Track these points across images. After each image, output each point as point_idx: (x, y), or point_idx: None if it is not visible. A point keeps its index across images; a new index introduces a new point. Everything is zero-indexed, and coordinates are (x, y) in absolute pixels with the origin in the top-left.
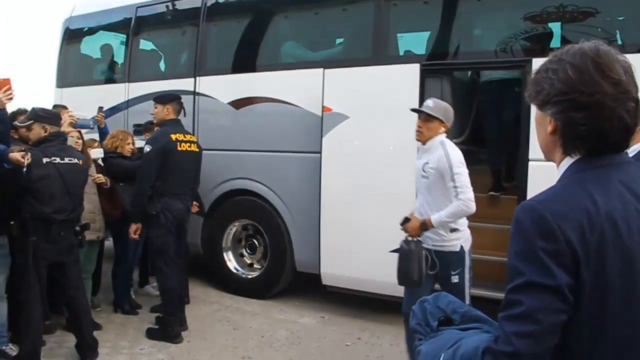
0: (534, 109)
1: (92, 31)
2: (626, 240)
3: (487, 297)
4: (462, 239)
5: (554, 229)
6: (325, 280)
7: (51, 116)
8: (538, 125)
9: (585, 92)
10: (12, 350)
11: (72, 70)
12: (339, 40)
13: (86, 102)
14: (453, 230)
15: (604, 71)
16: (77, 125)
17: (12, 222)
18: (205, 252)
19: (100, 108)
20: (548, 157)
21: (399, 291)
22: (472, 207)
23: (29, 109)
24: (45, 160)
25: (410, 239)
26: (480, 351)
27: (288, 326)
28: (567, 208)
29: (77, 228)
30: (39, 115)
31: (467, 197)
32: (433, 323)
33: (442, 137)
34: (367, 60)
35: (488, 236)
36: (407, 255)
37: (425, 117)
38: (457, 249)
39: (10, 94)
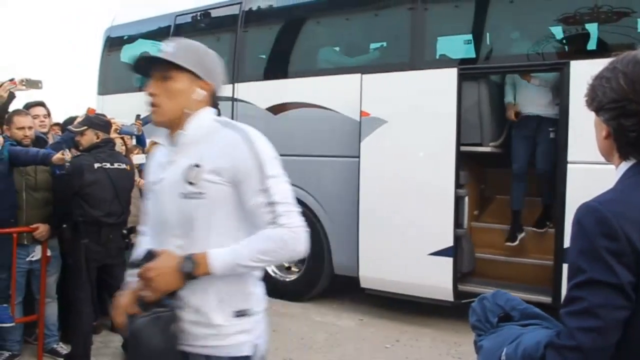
0: (574, 117)
1: (132, 40)
2: None
3: None
4: (253, 331)
5: (615, 229)
6: (364, 283)
7: (104, 123)
8: (595, 129)
9: (635, 101)
10: (63, 348)
11: (112, 78)
12: (375, 45)
13: (127, 109)
14: (240, 313)
15: None
16: (121, 132)
17: (64, 225)
18: None
19: (138, 116)
20: (608, 160)
21: (437, 294)
22: (303, 242)
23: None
24: (96, 165)
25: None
26: (542, 345)
27: (327, 329)
28: (627, 209)
29: (125, 231)
30: (92, 122)
31: (294, 222)
32: (493, 319)
33: (211, 111)
34: (405, 65)
35: (526, 239)
36: (135, 340)
37: (161, 75)
38: (244, 352)
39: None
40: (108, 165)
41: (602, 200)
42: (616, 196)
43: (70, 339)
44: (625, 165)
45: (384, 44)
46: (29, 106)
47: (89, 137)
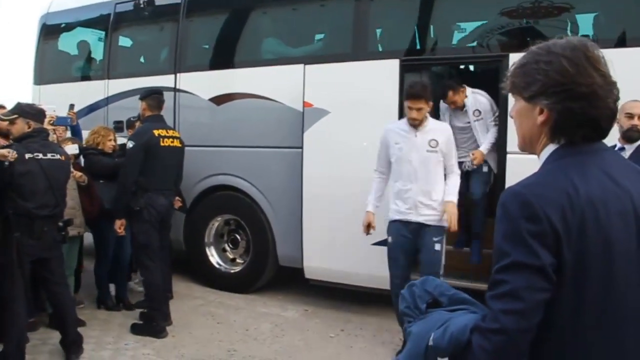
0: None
1: (69, 27)
2: (604, 222)
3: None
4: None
5: (537, 212)
6: (308, 274)
7: (36, 112)
8: (522, 117)
9: (583, 84)
10: None
11: (49, 67)
12: (318, 36)
13: (65, 99)
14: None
15: (594, 64)
16: (56, 122)
17: None
18: (187, 248)
19: (72, 105)
20: (527, 148)
21: (381, 283)
22: None
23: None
24: (27, 156)
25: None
26: (468, 329)
27: (272, 319)
28: (549, 192)
29: (60, 224)
30: (24, 111)
31: None
32: (422, 305)
33: None
34: (347, 56)
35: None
36: None
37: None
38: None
39: None
40: (41, 155)
41: (526, 184)
42: (539, 179)
43: (2, 337)
44: (550, 148)
45: (327, 34)
46: None
47: (20, 127)
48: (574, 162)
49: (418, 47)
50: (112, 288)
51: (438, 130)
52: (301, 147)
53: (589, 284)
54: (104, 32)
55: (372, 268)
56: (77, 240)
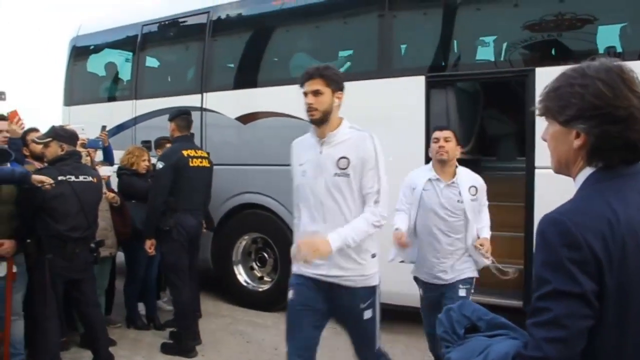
0: (540, 123)
1: (98, 49)
2: None
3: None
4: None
5: (578, 239)
6: None
7: (69, 135)
8: (556, 141)
9: (621, 106)
10: None
11: (79, 89)
12: (344, 54)
13: (94, 119)
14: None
15: (630, 86)
16: (87, 145)
17: (28, 240)
18: (215, 267)
19: (104, 127)
20: (563, 171)
21: (408, 301)
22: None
23: (36, 127)
24: (60, 178)
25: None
26: (510, 357)
27: None
28: (589, 218)
29: (93, 245)
30: (58, 134)
31: None
32: (460, 331)
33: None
34: (374, 73)
35: (493, 244)
36: None
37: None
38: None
39: (22, 123)
40: (73, 178)
41: (564, 211)
42: (577, 206)
43: (36, 356)
44: (585, 173)
45: (352, 52)
46: None
47: (54, 150)
48: (612, 186)
49: (443, 63)
50: (141, 307)
51: (355, 143)
52: None
53: (632, 311)
54: (131, 53)
55: (399, 285)
56: (108, 261)
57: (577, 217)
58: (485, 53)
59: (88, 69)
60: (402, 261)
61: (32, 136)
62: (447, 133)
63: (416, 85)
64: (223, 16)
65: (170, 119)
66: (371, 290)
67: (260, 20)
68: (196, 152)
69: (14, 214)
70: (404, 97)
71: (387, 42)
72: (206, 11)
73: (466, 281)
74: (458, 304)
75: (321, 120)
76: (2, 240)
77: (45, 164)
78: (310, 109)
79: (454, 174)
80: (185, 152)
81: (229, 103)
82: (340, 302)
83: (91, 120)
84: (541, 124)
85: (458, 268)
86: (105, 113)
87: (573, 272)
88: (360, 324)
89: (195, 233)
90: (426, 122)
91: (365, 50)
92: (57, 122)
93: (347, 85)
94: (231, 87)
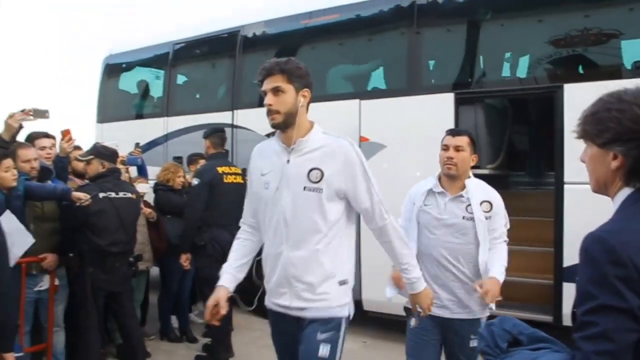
0: (569, 140)
1: (130, 67)
2: None
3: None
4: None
5: (623, 257)
6: (366, 306)
7: (110, 153)
8: (595, 162)
9: None
10: None
11: (111, 106)
12: (373, 71)
13: (126, 136)
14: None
15: None
16: (127, 162)
17: (70, 255)
18: (245, 281)
19: (137, 144)
20: (601, 191)
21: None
22: None
23: (79, 145)
24: (101, 195)
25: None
26: None
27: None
28: (631, 238)
29: (131, 259)
30: (99, 152)
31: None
32: (502, 345)
33: None
34: (402, 91)
35: (523, 259)
36: None
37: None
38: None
39: (72, 142)
40: (113, 194)
41: (608, 230)
42: (619, 225)
43: None
44: (624, 193)
45: (382, 69)
46: (33, 137)
47: (95, 167)
48: None
49: (472, 80)
50: (173, 320)
51: (330, 153)
52: None
53: None
54: (162, 72)
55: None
56: (144, 275)
57: (620, 236)
58: (513, 70)
59: (120, 86)
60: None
61: (75, 154)
62: (460, 140)
63: (445, 102)
64: (253, 35)
65: (205, 137)
66: (334, 324)
67: (289, 38)
68: (230, 169)
69: (57, 230)
70: (433, 114)
71: (416, 59)
72: (236, 30)
73: (478, 323)
74: (499, 319)
75: (284, 124)
76: (46, 254)
77: (87, 181)
78: (270, 111)
79: (463, 186)
80: (219, 169)
81: (259, 120)
82: (300, 332)
83: (123, 137)
84: (570, 140)
85: (468, 304)
86: (137, 130)
87: (619, 288)
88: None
89: (230, 248)
90: None
91: (394, 68)
92: (90, 140)
93: (377, 103)
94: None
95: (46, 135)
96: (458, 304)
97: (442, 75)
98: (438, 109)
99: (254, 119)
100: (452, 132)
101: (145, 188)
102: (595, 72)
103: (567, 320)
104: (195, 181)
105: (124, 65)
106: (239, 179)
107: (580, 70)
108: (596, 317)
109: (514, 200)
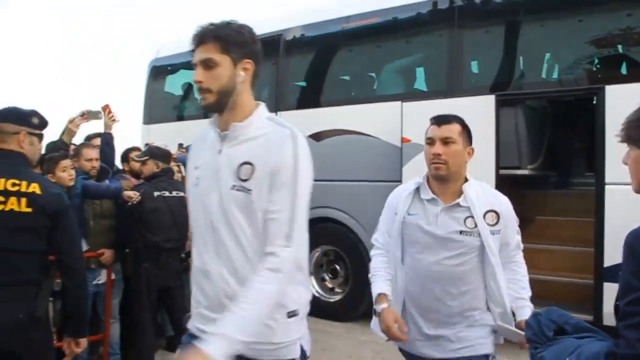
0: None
1: (175, 70)
2: None
3: None
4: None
5: None
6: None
7: (164, 154)
8: (638, 165)
9: None
10: None
11: (157, 108)
12: (414, 73)
13: (171, 137)
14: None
15: None
16: (178, 159)
17: (126, 250)
18: None
19: (181, 144)
20: None
21: None
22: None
23: (137, 146)
24: (156, 194)
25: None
26: (602, 355)
27: (373, 347)
28: None
29: (183, 255)
30: (154, 153)
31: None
32: (549, 333)
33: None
34: (443, 93)
35: (563, 259)
36: None
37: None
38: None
39: (113, 116)
40: (167, 193)
41: None
42: None
43: (132, 357)
44: None
45: (423, 71)
46: (89, 138)
47: (150, 167)
48: None
49: (513, 81)
50: None
51: (267, 144)
52: (399, 181)
53: None
54: None
55: None
56: None
57: None
58: (554, 71)
59: (166, 89)
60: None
61: (133, 155)
62: (449, 130)
63: (486, 104)
64: (296, 38)
65: None
66: None
67: (331, 41)
68: None
69: (114, 227)
70: (473, 115)
71: (456, 61)
72: (279, 34)
73: None
74: (545, 310)
75: (218, 106)
76: (103, 250)
77: (142, 181)
78: (200, 89)
79: (460, 192)
80: None
81: (302, 121)
82: None
83: (169, 139)
84: (611, 141)
85: (468, 337)
86: (181, 131)
87: None
88: None
89: None
90: (496, 141)
91: (435, 70)
92: (137, 141)
93: (419, 104)
94: (304, 106)
95: (100, 136)
96: (458, 340)
97: (483, 77)
98: (478, 111)
99: (296, 120)
100: (437, 120)
101: None
102: (637, 73)
103: (607, 320)
104: None
105: (169, 68)
106: None
107: (623, 71)
108: (639, 307)
109: (555, 201)
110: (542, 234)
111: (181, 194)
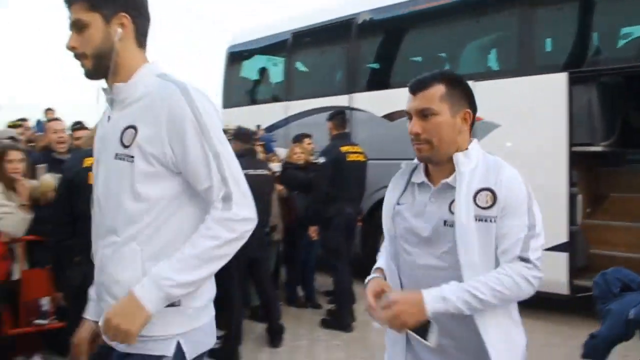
0: None
1: (251, 56)
2: None
3: None
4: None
5: None
6: None
7: (247, 134)
8: None
9: None
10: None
11: (235, 92)
12: (484, 52)
13: (249, 120)
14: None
15: None
16: (262, 139)
17: None
18: (364, 253)
19: (258, 126)
20: None
21: (552, 287)
22: None
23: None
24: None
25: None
26: None
27: None
28: None
29: (267, 229)
30: (239, 133)
31: None
32: (615, 290)
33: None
34: (515, 71)
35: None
36: None
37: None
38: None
39: None
40: (251, 171)
41: None
42: None
43: (224, 324)
44: None
45: (494, 50)
46: None
47: (235, 147)
48: None
49: (586, 58)
50: (298, 289)
51: (150, 104)
52: None
53: None
54: (281, 59)
55: (543, 272)
56: (276, 246)
57: None
58: (628, 46)
59: (242, 74)
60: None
61: None
62: (425, 98)
63: (558, 82)
64: (368, 21)
65: (329, 119)
66: None
67: (403, 22)
68: (352, 148)
69: None
70: (545, 94)
71: (528, 39)
72: (351, 17)
73: None
74: (612, 269)
75: (97, 71)
76: None
77: None
78: (75, 56)
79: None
80: (343, 148)
81: (376, 102)
82: None
83: (246, 121)
84: None
85: (479, 346)
86: (259, 114)
87: None
88: None
89: (352, 221)
90: (568, 118)
91: (506, 48)
92: None
93: (491, 83)
94: (378, 87)
95: None
96: (461, 348)
97: (555, 55)
98: (551, 89)
99: (369, 101)
100: (411, 86)
101: (277, 167)
102: None
103: None
104: (321, 159)
105: (245, 54)
106: (360, 157)
107: None
108: None
109: (629, 177)
110: (615, 211)
111: (265, 172)
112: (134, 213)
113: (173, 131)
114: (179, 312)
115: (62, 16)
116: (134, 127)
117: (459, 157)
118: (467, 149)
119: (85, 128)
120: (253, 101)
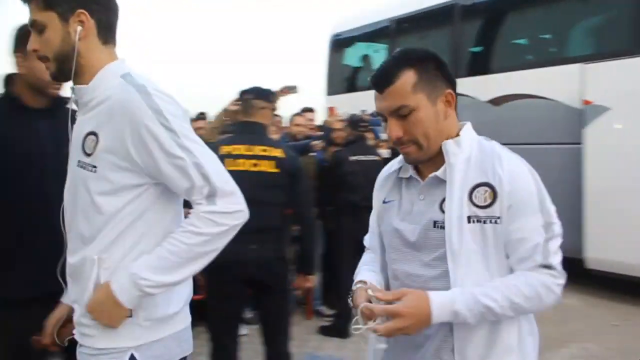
0: None
1: (353, 43)
2: None
3: None
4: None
5: None
6: (590, 264)
7: (356, 121)
8: None
9: None
10: (326, 310)
11: (338, 79)
12: (595, 33)
13: (352, 107)
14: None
15: None
16: (370, 123)
17: (330, 208)
18: None
19: (363, 112)
20: None
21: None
22: None
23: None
24: (352, 158)
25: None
26: None
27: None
28: None
29: None
30: (351, 122)
31: None
32: None
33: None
34: (628, 51)
35: None
36: None
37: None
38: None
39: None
40: (362, 157)
41: None
42: None
43: (333, 300)
44: None
45: (605, 31)
46: (304, 110)
47: (346, 134)
48: None
49: None
50: None
51: (110, 108)
52: (579, 143)
53: None
54: (383, 45)
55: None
56: None
57: None
58: None
59: (345, 61)
60: None
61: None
62: (395, 95)
63: None
64: (470, 5)
65: None
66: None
67: (506, 4)
68: None
69: (316, 187)
70: None
71: None
72: (454, 2)
73: None
74: None
75: (61, 74)
76: None
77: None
78: (39, 59)
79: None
80: None
81: (481, 87)
82: None
83: (350, 109)
84: None
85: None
86: (361, 101)
87: None
88: None
89: None
90: None
91: (618, 28)
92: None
93: (601, 65)
94: (484, 72)
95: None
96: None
97: None
98: None
99: (472, 86)
100: (376, 84)
101: (385, 153)
102: None
103: None
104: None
105: (348, 41)
106: None
107: None
108: None
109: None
110: None
111: (374, 157)
112: (97, 223)
113: (138, 139)
114: (132, 324)
115: None
116: (95, 134)
117: (449, 146)
118: (458, 135)
119: (204, 119)
120: (356, 88)
